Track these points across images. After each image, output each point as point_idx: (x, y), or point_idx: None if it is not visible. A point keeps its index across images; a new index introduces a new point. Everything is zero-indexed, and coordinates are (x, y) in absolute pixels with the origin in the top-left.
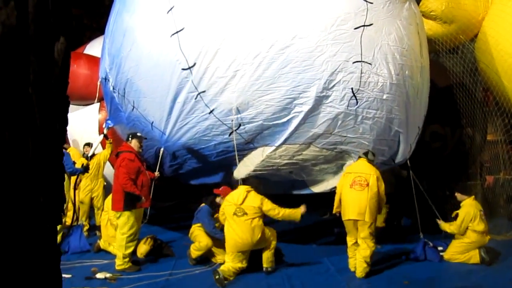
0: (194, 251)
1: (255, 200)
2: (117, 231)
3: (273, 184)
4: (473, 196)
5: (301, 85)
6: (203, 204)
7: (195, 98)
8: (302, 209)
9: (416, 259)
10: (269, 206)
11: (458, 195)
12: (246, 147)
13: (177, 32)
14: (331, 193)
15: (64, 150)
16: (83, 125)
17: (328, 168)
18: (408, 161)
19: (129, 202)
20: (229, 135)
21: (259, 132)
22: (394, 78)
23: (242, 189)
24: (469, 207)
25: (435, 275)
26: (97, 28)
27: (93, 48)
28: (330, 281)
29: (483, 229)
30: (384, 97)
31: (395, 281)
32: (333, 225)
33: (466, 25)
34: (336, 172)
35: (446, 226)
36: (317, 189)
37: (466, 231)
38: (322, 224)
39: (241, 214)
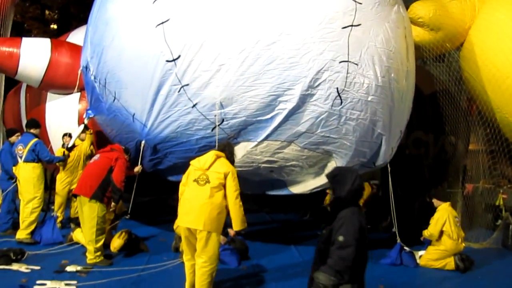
0: None
1: (222, 167)
2: (84, 225)
3: (252, 184)
4: (448, 202)
5: (286, 82)
6: None
7: (179, 91)
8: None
9: (392, 264)
10: (233, 182)
11: (434, 201)
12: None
13: (162, 23)
14: (312, 194)
15: (37, 138)
16: (63, 114)
17: (309, 169)
18: (388, 165)
19: (99, 193)
20: (212, 130)
21: (243, 128)
22: (379, 80)
23: (211, 153)
24: (443, 211)
25: (410, 280)
26: (84, 18)
27: (76, 36)
28: (304, 283)
29: (458, 236)
30: (369, 98)
31: (370, 285)
32: (311, 226)
33: (453, 33)
34: (317, 173)
35: (424, 233)
36: (296, 189)
37: (441, 237)
38: (302, 224)
39: (203, 183)
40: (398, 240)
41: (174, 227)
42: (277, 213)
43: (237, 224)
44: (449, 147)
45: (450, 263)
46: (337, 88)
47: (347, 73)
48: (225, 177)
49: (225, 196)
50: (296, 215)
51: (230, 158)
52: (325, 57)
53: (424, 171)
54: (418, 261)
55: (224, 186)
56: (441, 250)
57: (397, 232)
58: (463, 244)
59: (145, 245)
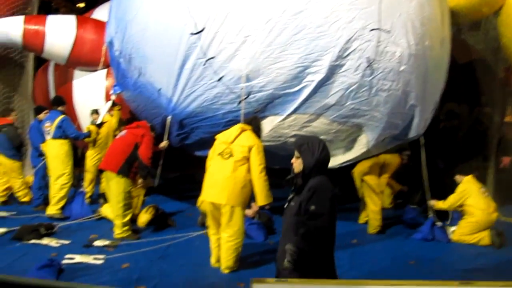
0: None
1: (247, 139)
2: (111, 200)
3: (279, 158)
4: (471, 175)
5: (314, 52)
6: None
7: (204, 65)
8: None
9: (424, 239)
10: (257, 156)
11: (457, 177)
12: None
13: None
14: (340, 168)
15: (64, 114)
16: (90, 91)
17: (339, 142)
18: (421, 138)
19: (126, 169)
20: (238, 103)
21: (269, 101)
22: (413, 48)
23: (236, 126)
24: (466, 184)
25: (443, 256)
26: None
27: (101, 12)
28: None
29: (486, 206)
30: (402, 68)
31: (399, 260)
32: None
33: None
34: (347, 148)
35: (439, 204)
36: None
37: (470, 209)
38: None
39: (227, 156)
40: (430, 215)
41: (198, 203)
42: None
43: (261, 198)
44: (484, 118)
45: (484, 238)
46: (367, 58)
47: (378, 41)
48: (250, 151)
49: (249, 170)
50: None
51: (257, 132)
52: (355, 25)
53: (458, 144)
54: (450, 236)
55: (248, 159)
56: (473, 223)
57: (429, 206)
58: (496, 214)
59: (172, 220)
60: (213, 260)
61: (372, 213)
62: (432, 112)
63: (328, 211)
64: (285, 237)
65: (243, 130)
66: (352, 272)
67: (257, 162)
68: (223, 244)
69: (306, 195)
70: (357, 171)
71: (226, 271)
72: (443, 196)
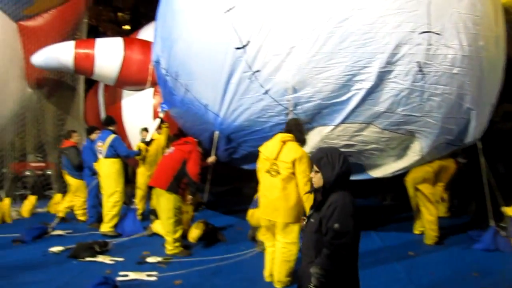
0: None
1: (289, 153)
2: (162, 216)
3: None
4: None
5: (362, 60)
6: None
7: (250, 78)
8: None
9: (486, 249)
10: (300, 168)
11: None
12: None
13: (229, 10)
14: (393, 177)
15: (114, 133)
16: (138, 110)
17: (390, 151)
18: (478, 142)
19: (175, 185)
20: (286, 115)
21: (317, 112)
22: (466, 49)
23: (277, 139)
24: None
25: (507, 268)
26: (153, 16)
27: (146, 33)
28: (389, 270)
29: None
30: (455, 71)
31: (462, 273)
32: (393, 211)
33: None
34: (399, 156)
35: (510, 210)
36: (376, 173)
37: None
38: (382, 209)
39: (274, 174)
40: (492, 223)
41: (248, 216)
42: (356, 198)
43: (308, 211)
44: None
45: None
46: (418, 62)
47: (429, 44)
48: (294, 165)
49: None
50: (375, 200)
51: (300, 137)
52: (404, 29)
53: None
54: None
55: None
56: None
57: (490, 214)
58: None
59: (222, 234)
60: (266, 273)
61: (428, 223)
62: (489, 115)
63: (352, 228)
64: (307, 255)
65: (284, 143)
66: (411, 287)
67: (301, 175)
68: (278, 256)
69: (327, 211)
70: (410, 179)
71: (279, 286)
72: (507, 203)
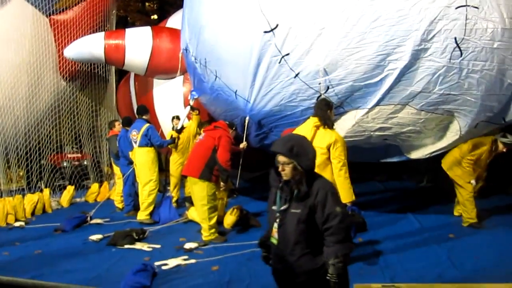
0: None
1: (324, 138)
2: (196, 204)
3: (364, 152)
4: None
5: (395, 38)
6: None
7: (279, 62)
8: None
9: None
10: (335, 152)
11: None
12: (336, 111)
13: None
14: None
15: (148, 123)
16: (169, 98)
17: (428, 132)
18: None
19: (207, 173)
20: (317, 99)
21: (350, 95)
22: (507, 22)
23: (309, 124)
24: None
25: None
26: (180, 4)
27: (174, 21)
28: (429, 253)
29: None
30: (495, 45)
31: (509, 256)
32: (430, 193)
33: None
34: (437, 136)
35: None
36: (413, 155)
37: None
38: (419, 192)
39: None
40: None
41: None
42: (391, 181)
43: (343, 197)
44: None
45: None
46: (455, 38)
47: (466, 19)
48: (328, 149)
49: None
50: (411, 182)
51: (328, 121)
52: (439, 5)
53: None
54: None
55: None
56: None
57: None
58: None
59: (257, 220)
60: None
61: (464, 205)
62: None
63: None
64: (285, 249)
65: (317, 128)
66: (453, 271)
67: (336, 160)
68: None
69: (319, 198)
70: (447, 160)
71: None
72: None
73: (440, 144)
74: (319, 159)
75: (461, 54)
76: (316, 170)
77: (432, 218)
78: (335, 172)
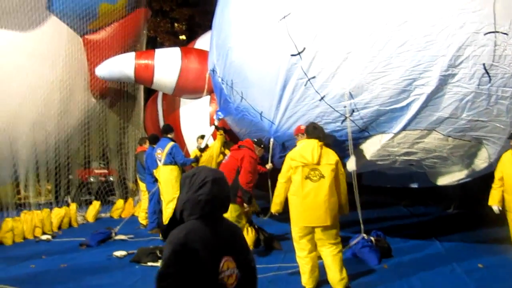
0: None
1: (331, 155)
2: None
3: (389, 177)
4: None
5: (422, 63)
6: None
7: (305, 85)
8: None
9: None
10: (342, 169)
11: None
12: (361, 135)
13: (284, 17)
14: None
15: (173, 141)
16: (195, 118)
17: (455, 159)
18: None
19: (231, 195)
20: (342, 122)
21: (375, 119)
22: None
23: (314, 144)
24: None
25: None
26: (209, 26)
27: (203, 42)
28: (457, 283)
29: None
30: None
31: None
32: (458, 219)
33: None
34: (465, 164)
35: None
36: (440, 181)
37: None
38: (445, 218)
39: (317, 179)
40: None
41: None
42: (417, 206)
43: (347, 208)
44: None
45: None
46: (483, 64)
47: (495, 45)
48: (336, 166)
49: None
50: (438, 208)
51: (326, 141)
52: (467, 31)
53: None
54: None
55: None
56: None
57: None
58: None
59: (279, 243)
60: (308, 282)
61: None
62: None
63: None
64: None
65: (321, 147)
66: None
67: (343, 176)
68: (332, 257)
69: None
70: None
71: (341, 286)
72: None
73: (468, 172)
74: (331, 175)
75: (490, 80)
76: (328, 186)
77: (459, 246)
78: (343, 186)
